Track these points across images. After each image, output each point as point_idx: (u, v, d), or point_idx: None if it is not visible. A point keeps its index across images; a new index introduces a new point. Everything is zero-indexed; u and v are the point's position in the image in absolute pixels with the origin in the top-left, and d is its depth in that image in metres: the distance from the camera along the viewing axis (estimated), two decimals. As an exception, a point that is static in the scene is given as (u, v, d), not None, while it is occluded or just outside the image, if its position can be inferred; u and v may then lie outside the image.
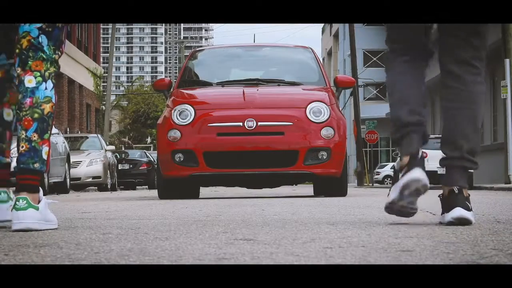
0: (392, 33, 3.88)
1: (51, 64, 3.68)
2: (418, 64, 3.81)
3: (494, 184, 22.65)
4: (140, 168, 33.09)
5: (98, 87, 46.26)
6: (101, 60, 49.86)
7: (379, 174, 47.23)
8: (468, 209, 3.58)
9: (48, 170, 3.69)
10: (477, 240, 2.86)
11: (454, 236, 3.03)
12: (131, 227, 3.77)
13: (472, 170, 3.69)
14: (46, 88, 3.63)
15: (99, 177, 23.49)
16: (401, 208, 3.70)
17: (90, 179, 23.23)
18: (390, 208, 3.75)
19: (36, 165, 3.57)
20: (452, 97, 3.72)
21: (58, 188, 18.24)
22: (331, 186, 10.45)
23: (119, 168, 30.83)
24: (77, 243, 2.86)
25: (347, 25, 52.65)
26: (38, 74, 3.63)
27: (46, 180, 16.45)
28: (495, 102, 30.39)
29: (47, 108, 3.61)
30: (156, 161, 13.72)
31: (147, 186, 32.96)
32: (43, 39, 3.66)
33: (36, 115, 3.58)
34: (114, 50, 62.22)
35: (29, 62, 3.64)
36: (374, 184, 41.75)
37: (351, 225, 3.75)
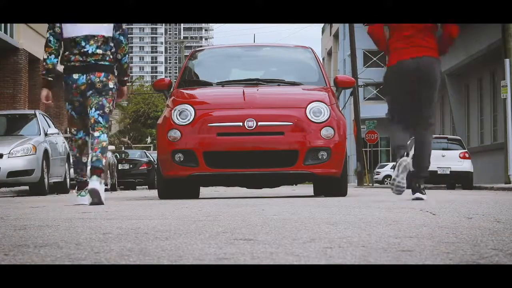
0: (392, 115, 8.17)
1: (105, 128, 7.66)
2: (407, 129, 8.00)
3: (494, 184, 22.66)
4: (140, 168, 33.08)
5: (98, 87, 46.22)
6: (101, 60, 49.77)
7: (379, 174, 47.21)
8: (422, 193, 7.81)
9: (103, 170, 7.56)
10: (477, 240, 2.86)
11: (454, 236, 3.03)
12: (131, 227, 3.77)
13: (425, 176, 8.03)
14: (104, 137, 7.65)
15: (99, 177, 23.45)
16: (397, 184, 7.71)
17: (90, 179, 23.20)
18: (392, 185, 7.86)
19: (100, 166, 7.50)
20: (416, 147, 7.93)
21: (58, 188, 18.23)
22: (331, 186, 10.44)
23: (119, 168, 30.82)
24: (77, 243, 2.86)
25: (347, 25, 52.64)
26: (100, 131, 7.64)
27: (46, 180, 16.44)
28: (495, 102, 30.39)
29: (104, 144, 7.62)
30: (156, 161, 13.72)
31: (147, 186, 32.96)
32: (100, 119, 7.65)
33: (99, 146, 7.58)
34: (114, 50, 61.92)
35: (95, 127, 7.64)
36: (374, 184, 41.74)
37: (351, 225, 3.74)
